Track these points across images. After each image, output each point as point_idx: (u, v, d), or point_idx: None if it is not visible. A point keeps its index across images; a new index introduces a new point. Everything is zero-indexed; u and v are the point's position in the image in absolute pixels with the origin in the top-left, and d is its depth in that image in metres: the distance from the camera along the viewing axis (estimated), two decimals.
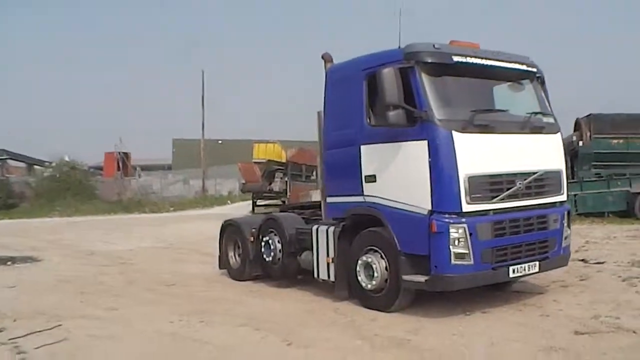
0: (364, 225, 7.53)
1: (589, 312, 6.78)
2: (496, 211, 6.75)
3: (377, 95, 6.88)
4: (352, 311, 7.37)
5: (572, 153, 18.35)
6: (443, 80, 6.85)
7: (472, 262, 6.49)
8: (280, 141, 28.90)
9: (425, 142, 6.53)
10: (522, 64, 7.50)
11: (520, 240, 6.93)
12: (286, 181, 25.86)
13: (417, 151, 6.62)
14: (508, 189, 6.81)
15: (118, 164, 42.02)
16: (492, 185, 6.73)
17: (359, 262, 7.39)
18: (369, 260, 7.25)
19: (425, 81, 6.68)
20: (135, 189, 38.34)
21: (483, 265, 6.60)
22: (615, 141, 18.12)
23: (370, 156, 7.28)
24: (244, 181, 27.80)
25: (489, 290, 7.62)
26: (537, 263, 7.09)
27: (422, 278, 6.65)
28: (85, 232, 20.68)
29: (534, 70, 7.63)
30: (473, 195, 6.53)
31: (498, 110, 7.08)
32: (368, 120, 7.31)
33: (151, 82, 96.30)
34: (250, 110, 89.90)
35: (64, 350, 6.17)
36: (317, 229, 8.20)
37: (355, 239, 7.59)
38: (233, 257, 10.54)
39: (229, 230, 10.67)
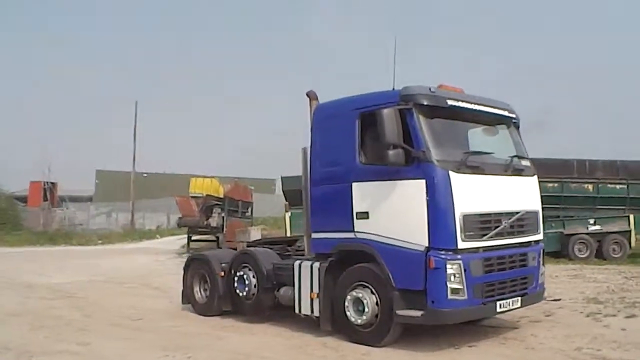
0: (351, 261, 7.66)
1: (568, 345, 7.17)
2: (485, 249, 7.08)
3: (374, 135, 7.12)
4: (340, 346, 7.41)
5: None
6: (437, 122, 7.18)
7: (465, 297, 6.75)
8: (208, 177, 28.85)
9: (423, 181, 6.79)
10: (504, 109, 7.99)
11: (505, 276, 7.28)
12: (223, 217, 25.70)
13: (414, 189, 6.87)
14: (495, 227, 7.16)
15: (45, 193, 40.13)
16: (482, 223, 7.06)
17: (348, 297, 7.47)
18: (359, 295, 7.35)
19: (422, 123, 6.98)
20: (60, 220, 36.69)
21: (475, 300, 6.87)
22: (550, 184, 19.24)
23: (363, 193, 7.45)
24: (180, 215, 27.34)
25: (464, 325, 7.86)
26: (518, 299, 7.44)
27: (417, 313, 6.82)
28: (16, 264, 19.63)
29: (514, 116, 8.14)
30: (467, 233, 6.82)
31: (485, 153, 7.45)
32: (360, 159, 7.51)
33: (71, 109, 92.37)
34: (176, 144, 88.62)
35: None
36: (299, 264, 8.23)
37: (342, 275, 7.67)
38: (199, 291, 10.34)
39: (195, 265, 10.50)
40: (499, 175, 7.49)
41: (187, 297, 10.49)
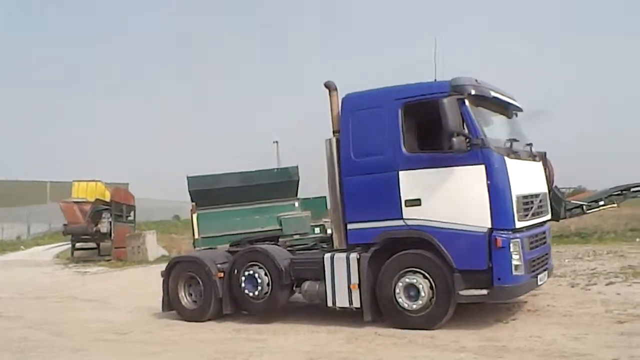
0: (394, 249, 7.80)
1: (592, 309, 7.97)
2: (527, 227, 7.65)
3: (421, 124, 7.58)
4: (396, 333, 7.47)
5: None
6: (481, 111, 7.63)
7: (523, 272, 7.26)
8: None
9: (483, 166, 7.17)
10: (515, 100, 8.64)
11: (538, 253, 7.93)
12: (110, 222, 24.25)
13: (473, 175, 7.22)
14: (531, 208, 7.76)
15: None
16: (525, 204, 7.63)
17: (399, 284, 7.60)
18: (413, 281, 7.51)
19: (474, 112, 7.37)
20: None
21: (526, 275, 7.42)
22: None
23: (412, 181, 7.62)
24: (65, 222, 25.22)
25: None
26: (546, 273, 8.15)
27: (483, 291, 7.17)
28: None
29: (520, 107, 8.81)
30: (519, 213, 7.35)
31: (517, 140, 7.99)
32: (405, 147, 7.69)
33: None
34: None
35: None
36: (331, 257, 8.16)
37: (387, 263, 7.77)
38: (184, 297, 9.72)
39: (180, 268, 9.84)
40: (526, 160, 8.11)
41: (170, 304, 9.82)
